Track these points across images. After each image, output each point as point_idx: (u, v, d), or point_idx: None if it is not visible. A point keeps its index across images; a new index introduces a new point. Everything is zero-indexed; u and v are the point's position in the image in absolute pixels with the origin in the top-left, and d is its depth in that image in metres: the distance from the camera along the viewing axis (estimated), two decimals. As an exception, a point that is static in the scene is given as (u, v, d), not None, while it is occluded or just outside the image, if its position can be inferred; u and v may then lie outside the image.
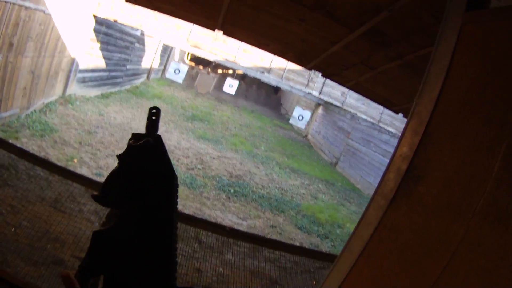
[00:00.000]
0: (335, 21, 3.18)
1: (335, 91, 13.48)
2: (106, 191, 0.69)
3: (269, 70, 12.76)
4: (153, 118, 0.73)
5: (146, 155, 0.70)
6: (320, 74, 5.30)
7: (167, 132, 10.68)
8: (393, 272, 1.16)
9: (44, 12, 6.56)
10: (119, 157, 0.71)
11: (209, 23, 4.34)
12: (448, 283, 1.04)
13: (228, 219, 6.55)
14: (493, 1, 1.18)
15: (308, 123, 19.54)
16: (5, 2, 5.23)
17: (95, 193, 0.70)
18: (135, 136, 0.72)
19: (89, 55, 10.11)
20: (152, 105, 0.78)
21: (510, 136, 1.09)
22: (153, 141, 0.71)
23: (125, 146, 0.72)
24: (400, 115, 5.65)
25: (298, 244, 6.31)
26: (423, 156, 1.24)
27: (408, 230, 1.20)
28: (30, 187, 3.94)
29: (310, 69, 5.01)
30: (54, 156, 6.26)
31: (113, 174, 0.70)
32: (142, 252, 0.67)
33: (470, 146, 1.16)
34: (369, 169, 12.88)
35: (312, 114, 19.28)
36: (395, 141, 12.01)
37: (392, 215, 1.25)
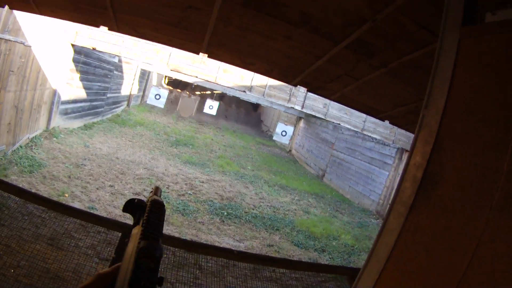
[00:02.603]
0: (320, 35, 3.28)
1: (317, 104, 13.68)
2: None
3: (250, 88, 12.87)
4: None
5: None
6: (302, 88, 5.38)
7: (154, 160, 10.59)
8: (423, 271, 1.22)
9: (23, 44, 6.49)
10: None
11: (194, 47, 4.35)
12: (477, 272, 1.12)
13: (225, 243, 6.51)
14: (487, 16, 1.28)
15: (291, 138, 19.72)
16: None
17: None
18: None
19: (69, 86, 10.03)
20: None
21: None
22: None
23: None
24: (386, 121, 5.79)
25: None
26: (437, 163, 1.32)
27: (431, 231, 1.26)
28: (24, 226, 3.87)
29: (295, 85, 5.09)
30: (44, 192, 6.14)
31: None
32: None
33: (479, 149, 1.25)
34: (356, 178, 13.01)
35: (294, 129, 19.49)
36: (380, 147, 12.22)
37: (414, 220, 1.32)
